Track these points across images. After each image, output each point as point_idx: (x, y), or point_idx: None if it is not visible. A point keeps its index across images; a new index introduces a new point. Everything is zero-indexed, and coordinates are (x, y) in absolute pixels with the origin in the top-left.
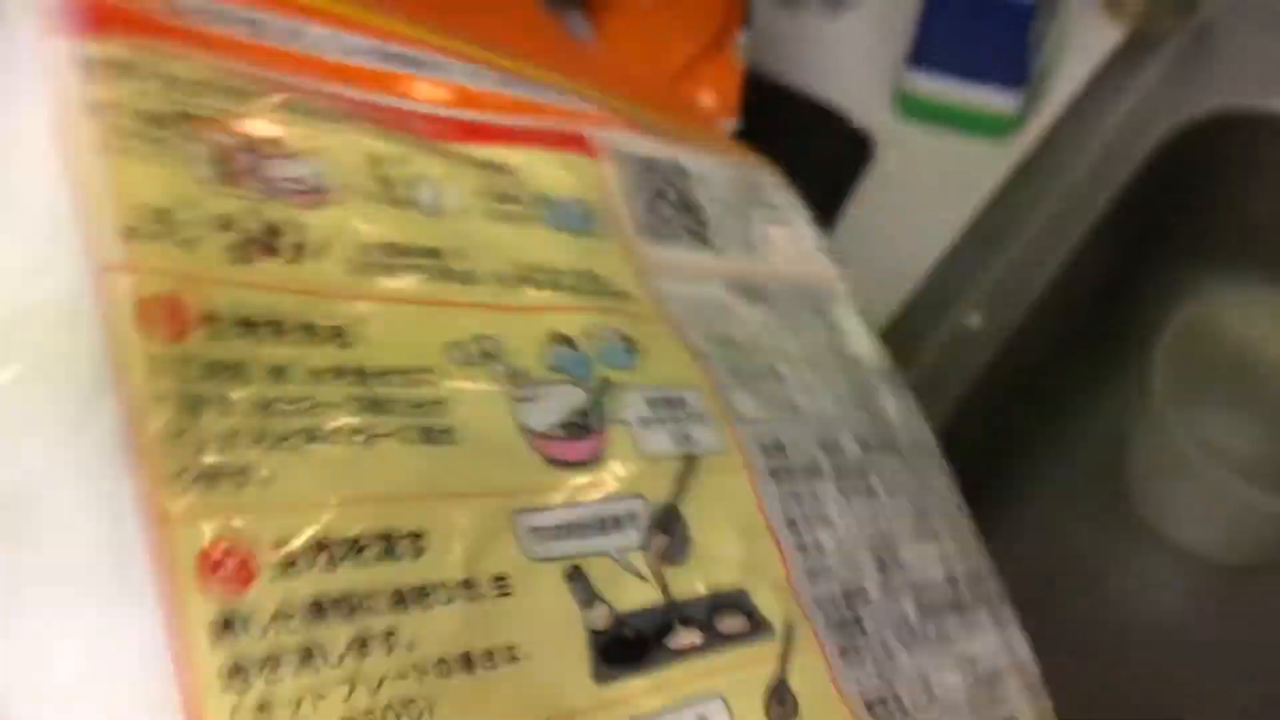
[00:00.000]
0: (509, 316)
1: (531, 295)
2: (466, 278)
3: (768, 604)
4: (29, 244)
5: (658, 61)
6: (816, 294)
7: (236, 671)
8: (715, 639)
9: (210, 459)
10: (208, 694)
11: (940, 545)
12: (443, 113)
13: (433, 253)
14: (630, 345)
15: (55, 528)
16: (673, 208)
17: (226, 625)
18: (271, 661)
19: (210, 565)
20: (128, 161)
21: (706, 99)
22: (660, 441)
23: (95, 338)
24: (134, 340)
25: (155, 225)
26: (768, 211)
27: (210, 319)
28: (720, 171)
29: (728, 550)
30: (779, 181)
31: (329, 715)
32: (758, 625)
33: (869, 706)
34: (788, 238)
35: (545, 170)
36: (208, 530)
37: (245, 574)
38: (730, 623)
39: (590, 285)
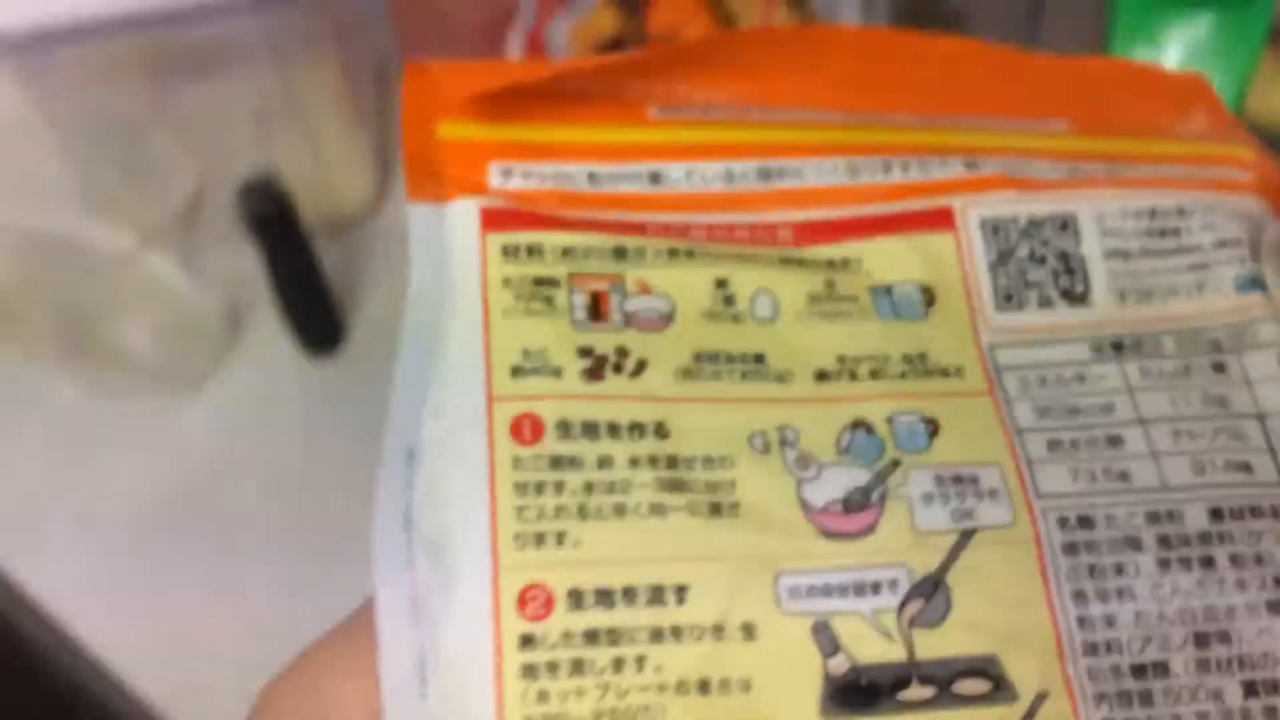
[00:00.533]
0: (816, 407)
1: (846, 387)
2: (784, 376)
3: (1021, 671)
4: (461, 387)
5: None
6: (1220, 339)
7: (529, 671)
8: (948, 698)
9: (538, 528)
10: (509, 680)
11: None
12: (798, 217)
13: (757, 357)
14: (933, 426)
15: (454, 557)
16: (1046, 269)
17: (527, 641)
18: (552, 666)
19: (524, 601)
20: (524, 317)
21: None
22: (937, 518)
23: (483, 447)
24: (505, 446)
25: (533, 363)
26: (1193, 253)
27: (562, 425)
28: (1167, 207)
29: (989, 619)
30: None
31: (584, 707)
32: (1002, 690)
33: None
34: (1203, 276)
35: (890, 258)
36: (526, 578)
37: (547, 608)
38: (970, 685)
39: (916, 368)
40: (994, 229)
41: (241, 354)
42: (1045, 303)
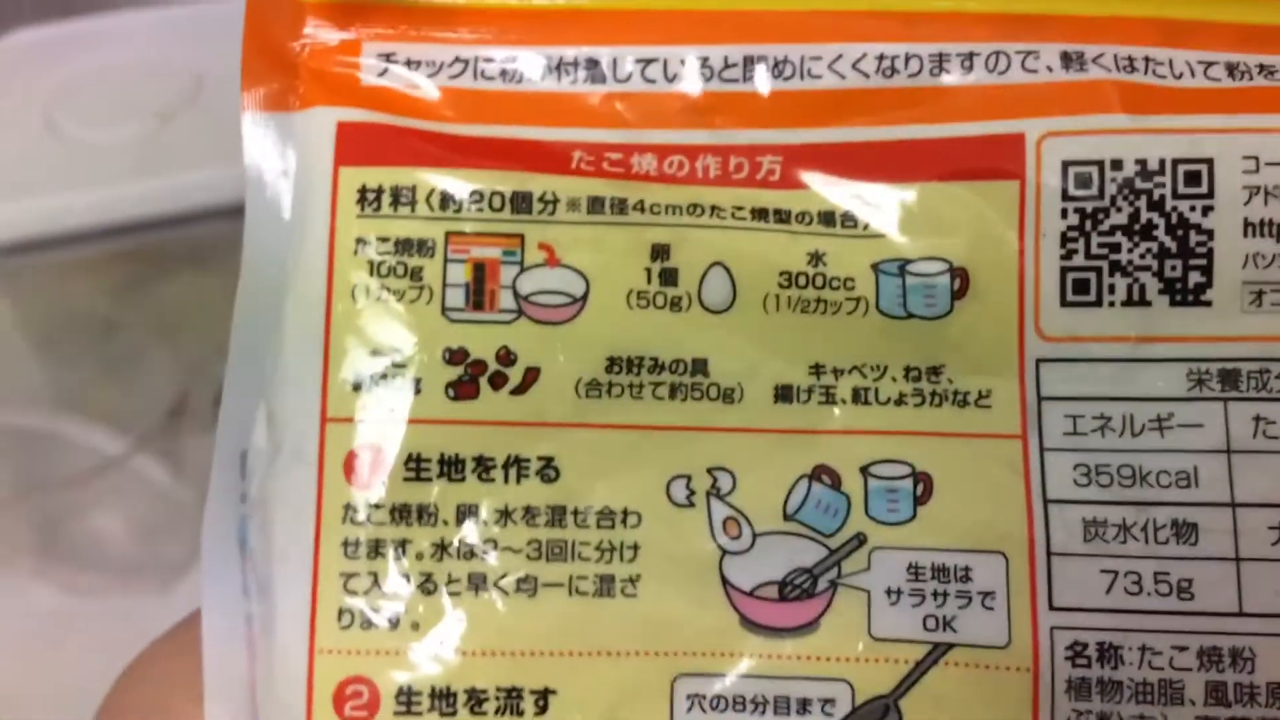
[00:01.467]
0: (767, 442)
1: (815, 412)
2: (731, 393)
3: None
4: (293, 393)
5: None
6: None
7: None
8: None
9: (367, 604)
10: None
11: None
12: (794, 138)
13: (696, 364)
14: (925, 485)
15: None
16: (1151, 245)
17: None
18: None
19: (340, 699)
20: (376, 304)
21: None
22: (903, 622)
23: (311, 485)
24: (336, 488)
25: (382, 370)
26: None
27: (413, 462)
28: None
29: None
30: None
31: None
32: None
33: None
34: None
35: (914, 216)
36: (346, 669)
37: (370, 710)
38: None
39: (922, 390)
40: (1081, 175)
41: None
42: (1137, 298)
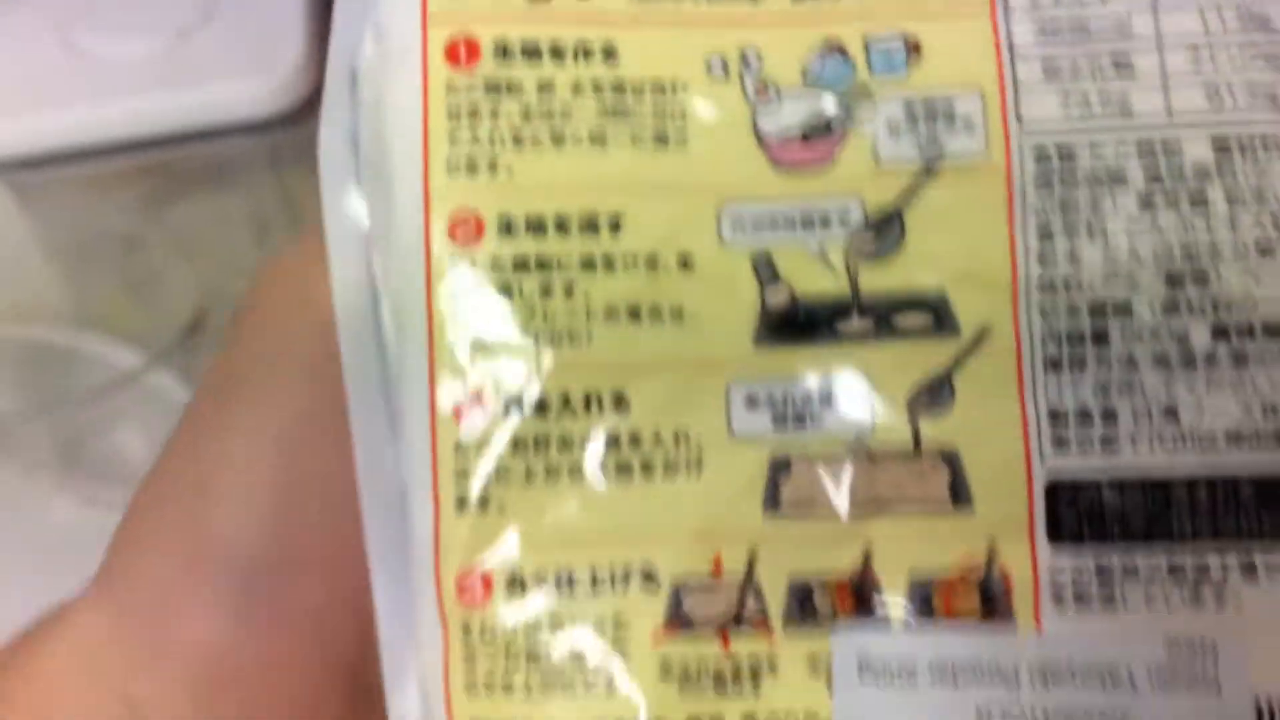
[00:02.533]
0: (786, 29)
1: (826, 4)
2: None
3: (967, 307)
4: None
5: None
6: None
7: (459, 293)
8: (887, 330)
9: (470, 154)
10: (440, 300)
11: None
12: None
13: None
14: (915, 48)
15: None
16: None
17: (456, 265)
18: (480, 293)
19: (453, 227)
20: None
21: None
22: (903, 149)
23: (417, 71)
24: (439, 69)
25: None
26: None
27: (500, 48)
28: None
29: (942, 255)
30: None
31: (511, 331)
32: (943, 325)
33: (1055, 416)
34: None
35: None
36: (455, 204)
37: (477, 234)
38: (911, 319)
39: None
40: None
41: None
42: None
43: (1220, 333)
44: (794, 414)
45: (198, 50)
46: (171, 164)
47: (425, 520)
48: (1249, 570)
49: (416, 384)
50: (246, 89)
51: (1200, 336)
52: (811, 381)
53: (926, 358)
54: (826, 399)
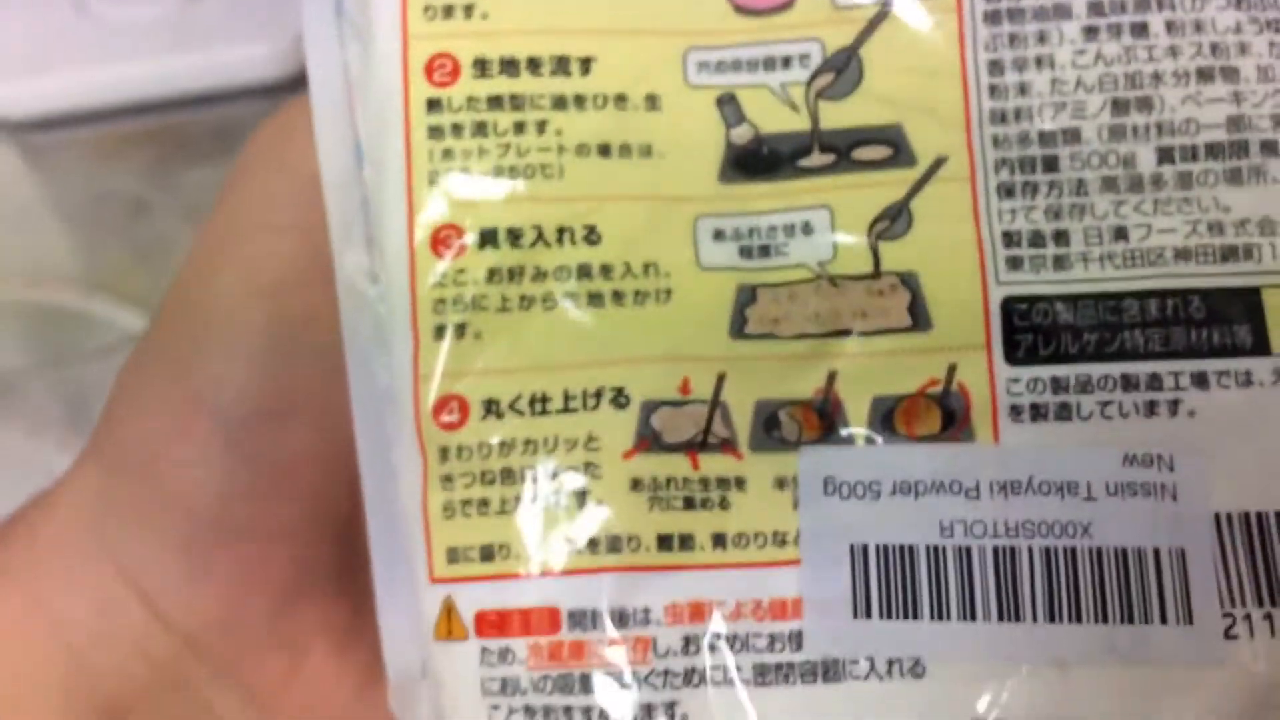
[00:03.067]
0: None
1: None
2: None
3: (922, 138)
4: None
5: None
6: None
7: (435, 132)
8: (847, 163)
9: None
10: (417, 139)
11: (1234, 83)
12: None
13: None
14: None
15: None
16: None
17: (433, 105)
18: (457, 128)
19: (430, 69)
20: None
21: None
22: None
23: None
24: None
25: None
26: None
27: None
28: None
29: (898, 90)
30: None
31: (486, 164)
32: (900, 155)
33: (1010, 237)
34: None
35: None
36: (433, 47)
37: (453, 75)
38: (869, 151)
39: None
40: None
41: None
42: None
43: (1166, 155)
44: (759, 245)
45: (207, 13)
46: (180, 129)
47: (405, 350)
48: (1200, 380)
49: (395, 220)
50: (256, 52)
51: (1146, 160)
52: (776, 215)
53: (885, 188)
54: (790, 230)
